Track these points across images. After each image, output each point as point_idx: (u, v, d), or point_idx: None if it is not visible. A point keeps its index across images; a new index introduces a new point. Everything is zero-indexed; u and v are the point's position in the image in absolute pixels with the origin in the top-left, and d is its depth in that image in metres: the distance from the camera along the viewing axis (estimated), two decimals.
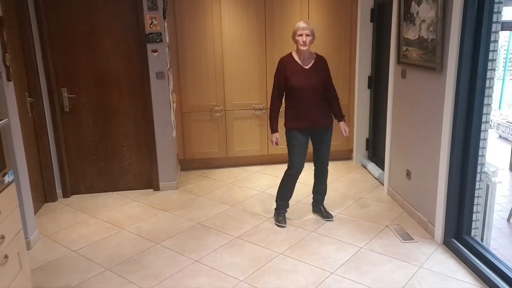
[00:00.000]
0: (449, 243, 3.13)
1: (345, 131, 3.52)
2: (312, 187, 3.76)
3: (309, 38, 3.28)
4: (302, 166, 3.49)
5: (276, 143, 3.49)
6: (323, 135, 3.48)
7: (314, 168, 3.64)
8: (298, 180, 4.42)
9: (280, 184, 3.61)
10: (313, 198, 3.77)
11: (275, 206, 3.68)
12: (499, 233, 3.77)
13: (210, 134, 4.95)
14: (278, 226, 3.54)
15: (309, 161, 3.63)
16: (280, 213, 3.62)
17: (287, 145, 3.48)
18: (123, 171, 4.36)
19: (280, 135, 3.51)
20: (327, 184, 3.72)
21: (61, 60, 4.02)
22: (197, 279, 2.84)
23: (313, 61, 3.40)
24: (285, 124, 3.48)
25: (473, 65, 2.86)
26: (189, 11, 4.60)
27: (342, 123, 3.53)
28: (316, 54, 3.45)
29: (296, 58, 3.38)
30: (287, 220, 3.62)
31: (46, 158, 4.07)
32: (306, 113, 3.38)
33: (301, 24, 3.29)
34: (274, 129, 3.48)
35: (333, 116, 3.53)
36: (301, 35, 3.27)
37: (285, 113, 3.48)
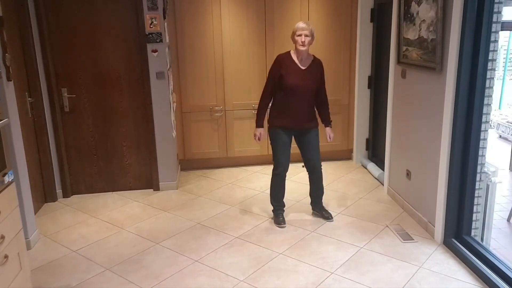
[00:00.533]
0: (449, 243, 3.13)
1: (329, 137, 3.57)
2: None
3: (308, 39, 3.28)
4: (288, 164, 3.53)
5: (259, 138, 3.52)
6: (305, 137, 3.47)
7: (307, 171, 3.64)
8: (297, 180, 4.42)
9: (270, 185, 3.64)
10: (311, 199, 3.76)
11: (272, 209, 3.69)
12: (499, 233, 3.77)
13: (210, 134, 4.95)
14: (279, 227, 3.54)
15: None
16: (278, 214, 3.62)
17: (271, 144, 3.51)
18: (123, 171, 4.36)
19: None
20: (324, 184, 3.72)
21: (61, 60, 4.02)
22: (197, 279, 2.84)
23: (310, 63, 3.40)
24: (268, 121, 3.49)
25: (473, 65, 2.86)
26: (189, 11, 4.60)
27: (328, 128, 3.58)
28: (314, 56, 3.45)
29: (294, 57, 3.37)
30: (287, 220, 3.62)
31: (46, 158, 4.06)
32: (293, 113, 3.38)
33: (301, 24, 3.29)
34: (260, 124, 3.49)
35: (318, 120, 3.53)
36: (300, 35, 3.27)
37: (270, 110, 3.48)
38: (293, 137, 3.52)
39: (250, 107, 4.91)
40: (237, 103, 4.89)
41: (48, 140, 4.07)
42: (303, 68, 3.36)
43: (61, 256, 3.18)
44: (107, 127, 4.23)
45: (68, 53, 4.01)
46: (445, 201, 3.15)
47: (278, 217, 3.60)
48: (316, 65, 3.42)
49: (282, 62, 3.37)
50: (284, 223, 3.56)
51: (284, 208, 3.67)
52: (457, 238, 3.13)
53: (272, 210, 3.68)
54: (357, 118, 5.02)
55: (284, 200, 3.67)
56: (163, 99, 4.20)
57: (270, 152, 4.99)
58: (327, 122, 3.58)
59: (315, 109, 3.54)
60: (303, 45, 3.28)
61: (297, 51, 3.35)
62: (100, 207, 4.04)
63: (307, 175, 3.69)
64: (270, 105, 3.50)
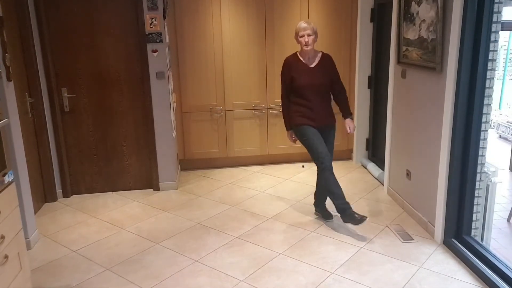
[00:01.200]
0: (449, 243, 3.13)
1: (349, 127, 3.46)
2: (313, 187, 3.75)
3: (311, 38, 3.29)
4: (329, 154, 3.34)
5: (294, 140, 3.51)
6: (327, 134, 3.47)
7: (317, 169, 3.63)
8: (297, 180, 4.40)
9: (325, 184, 3.39)
10: (315, 198, 3.75)
11: (339, 210, 3.35)
12: (499, 233, 3.76)
13: (210, 134, 4.95)
14: (360, 223, 3.23)
15: (311, 160, 3.63)
16: (352, 213, 3.27)
17: (302, 143, 3.44)
18: (123, 171, 4.36)
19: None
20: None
21: (61, 60, 4.02)
22: (197, 279, 2.84)
23: (318, 60, 3.40)
24: (291, 122, 3.47)
25: (473, 65, 2.85)
26: (189, 11, 4.60)
27: (348, 120, 3.48)
28: (322, 52, 3.46)
29: (301, 57, 3.38)
30: (286, 220, 3.62)
31: (46, 158, 4.06)
32: (312, 112, 3.38)
33: (302, 24, 3.29)
34: (288, 127, 3.50)
35: (335, 114, 3.51)
36: (303, 35, 3.28)
37: (291, 111, 3.46)
38: None
39: (250, 107, 4.91)
40: (237, 103, 4.89)
41: (48, 140, 4.07)
42: (311, 66, 3.37)
43: (61, 256, 3.18)
44: (107, 127, 4.23)
45: (68, 53, 4.01)
46: (445, 201, 3.14)
47: (353, 216, 3.24)
48: (325, 60, 3.43)
49: (290, 65, 3.39)
50: (363, 215, 3.24)
51: (351, 205, 3.33)
52: (457, 238, 3.13)
53: (341, 210, 3.33)
54: (357, 118, 5.01)
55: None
56: (163, 99, 4.20)
57: (270, 152, 5.04)
58: (347, 113, 3.49)
59: (335, 103, 3.52)
60: (307, 45, 3.28)
61: (302, 51, 3.36)
62: (100, 207, 4.04)
63: (309, 175, 3.67)
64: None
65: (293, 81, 3.36)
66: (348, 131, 3.48)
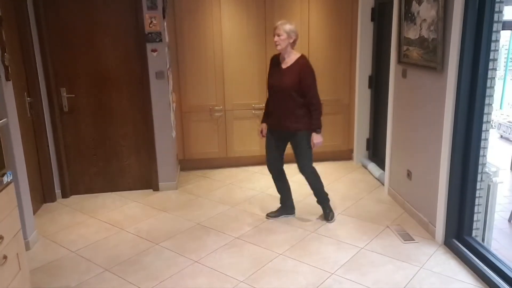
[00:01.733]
0: (450, 243, 3.12)
1: (312, 143, 3.31)
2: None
3: (281, 38, 3.21)
4: (273, 163, 3.55)
5: (261, 132, 3.57)
6: (293, 140, 3.41)
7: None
8: (297, 181, 4.35)
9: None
10: (316, 198, 3.73)
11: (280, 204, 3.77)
12: (500, 234, 3.75)
13: (210, 134, 4.93)
14: (267, 217, 3.72)
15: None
16: (277, 210, 3.73)
17: None
18: (122, 171, 4.34)
19: None
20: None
21: (60, 59, 4.00)
22: (197, 280, 2.82)
23: (293, 62, 3.30)
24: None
25: (474, 64, 2.84)
26: (188, 10, 4.58)
27: (313, 133, 3.29)
28: (301, 55, 3.32)
29: (280, 57, 3.39)
30: (287, 220, 3.62)
31: (45, 158, 4.05)
32: (274, 113, 3.41)
33: (276, 24, 3.27)
34: (262, 120, 3.58)
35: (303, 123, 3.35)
36: (274, 35, 3.27)
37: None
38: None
39: (250, 107, 4.89)
40: (237, 103, 4.88)
41: (47, 140, 4.05)
42: (283, 67, 3.35)
43: (60, 256, 3.17)
44: (106, 127, 4.21)
45: (67, 53, 4.00)
46: (446, 201, 3.13)
47: (274, 211, 3.73)
48: (297, 64, 3.27)
49: (271, 63, 3.47)
50: (270, 217, 3.70)
51: (287, 214, 3.73)
52: (458, 238, 3.12)
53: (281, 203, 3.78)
54: (358, 118, 5.00)
55: (288, 202, 3.73)
56: (162, 99, 4.19)
57: None
58: (312, 128, 3.29)
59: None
60: (275, 45, 3.26)
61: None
62: (99, 207, 4.03)
63: None
64: None
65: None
66: (312, 146, 3.34)
